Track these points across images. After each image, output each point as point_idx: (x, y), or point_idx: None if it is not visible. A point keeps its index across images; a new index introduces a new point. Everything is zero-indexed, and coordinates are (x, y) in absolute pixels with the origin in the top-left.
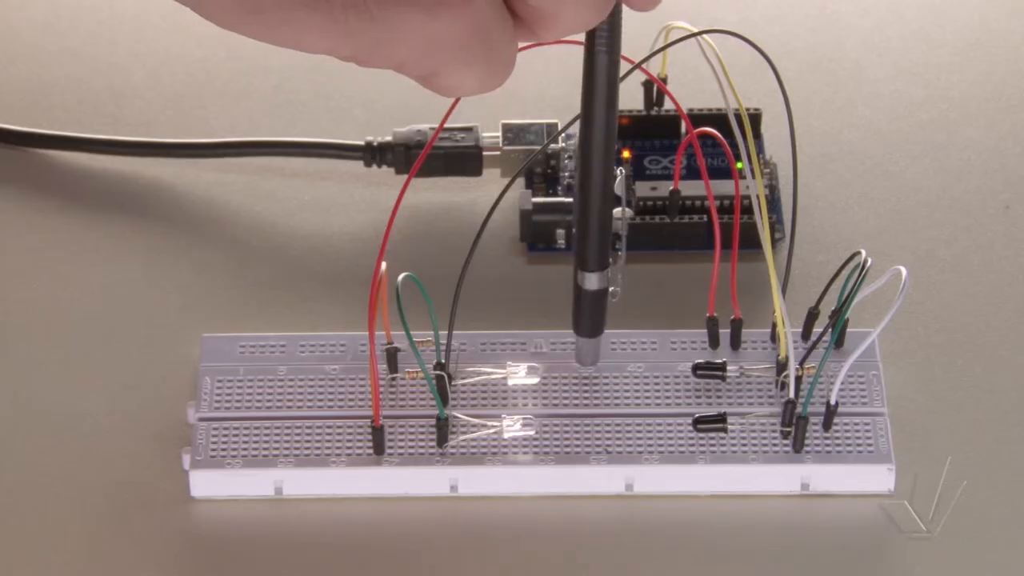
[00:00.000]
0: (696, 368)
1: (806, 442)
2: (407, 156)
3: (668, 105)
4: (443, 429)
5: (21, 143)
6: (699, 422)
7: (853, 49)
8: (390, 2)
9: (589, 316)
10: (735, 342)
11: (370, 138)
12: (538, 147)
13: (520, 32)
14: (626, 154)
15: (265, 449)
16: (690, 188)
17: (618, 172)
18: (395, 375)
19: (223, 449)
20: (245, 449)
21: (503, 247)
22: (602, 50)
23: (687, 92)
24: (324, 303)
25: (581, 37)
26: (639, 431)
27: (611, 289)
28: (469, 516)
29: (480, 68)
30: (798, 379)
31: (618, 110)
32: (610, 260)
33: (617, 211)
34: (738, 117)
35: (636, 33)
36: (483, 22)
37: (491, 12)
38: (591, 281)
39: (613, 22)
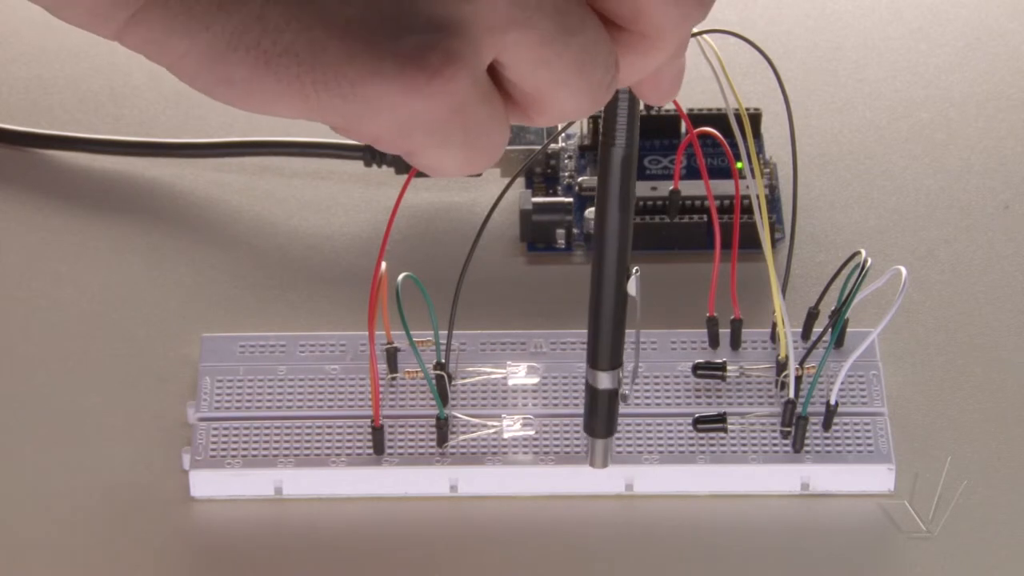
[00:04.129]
0: (696, 368)
1: (806, 442)
2: None
3: (668, 105)
4: (443, 429)
5: (21, 143)
6: (699, 422)
7: (853, 49)
8: (363, 79)
9: (600, 416)
10: (735, 342)
11: None
12: (538, 147)
13: (512, 114)
14: None
15: (265, 449)
16: (690, 188)
17: (633, 271)
18: (395, 375)
19: (223, 449)
20: (245, 449)
21: (503, 247)
22: (618, 144)
23: (687, 92)
24: (324, 303)
25: None
26: (639, 431)
27: (622, 391)
28: (469, 516)
29: (462, 149)
30: (798, 379)
31: (634, 206)
32: (622, 360)
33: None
34: (738, 117)
35: None
36: (464, 104)
37: (474, 93)
38: (603, 380)
39: (631, 115)
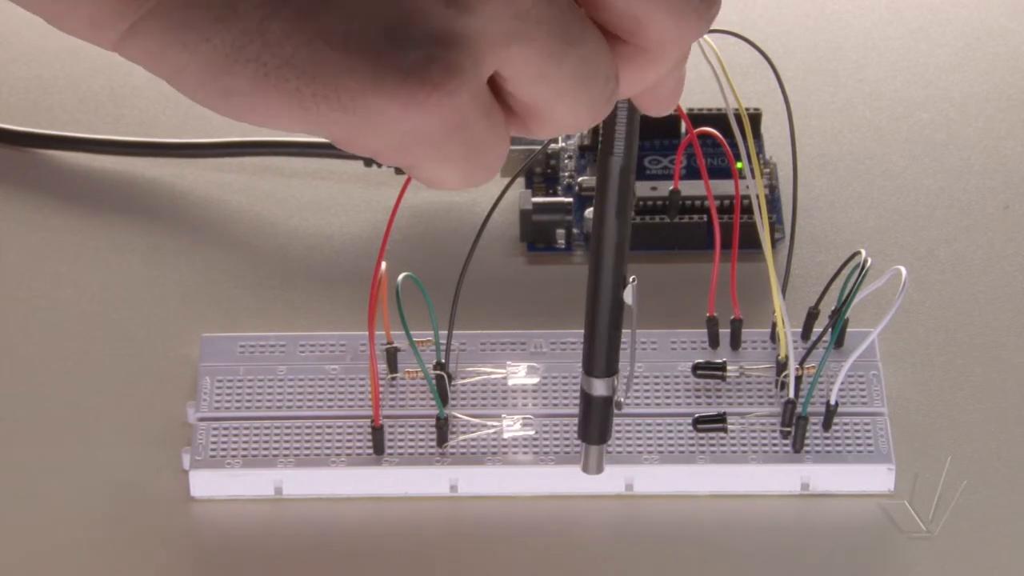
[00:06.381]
0: (696, 368)
1: (806, 442)
2: None
3: None
4: (443, 429)
5: (21, 143)
6: (699, 422)
7: (853, 49)
8: (363, 93)
9: (594, 422)
10: (735, 342)
11: None
12: (538, 147)
13: (513, 126)
14: None
15: (265, 449)
16: (690, 188)
17: (630, 280)
18: (395, 375)
19: (223, 449)
20: (245, 449)
21: (503, 247)
22: (617, 153)
23: (687, 92)
24: (324, 303)
25: None
26: (639, 431)
27: (617, 399)
28: (469, 516)
29: (462, 163)
30: (798, 379)
31: (632, 216)
32: (618, 367)
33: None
34: (738, 117)
35: None
36: (464, 117)
37: (475, 107)
38: (598, 387)
39: (630, 125)
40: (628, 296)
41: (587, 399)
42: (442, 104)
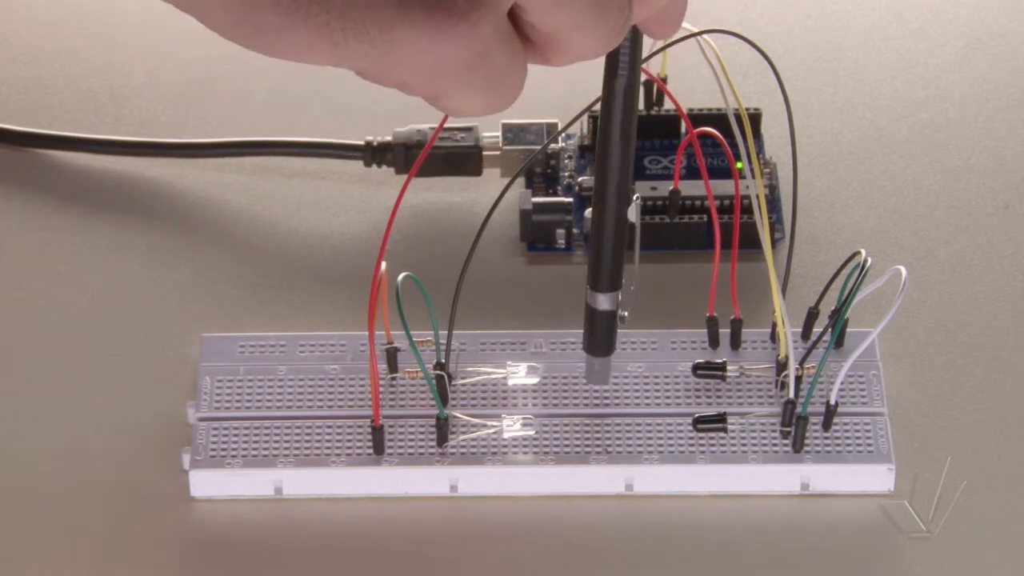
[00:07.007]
0: (696, 368)
1: (806, 442)
2: (407, 156)
3: (668, 105)
4: (443, 429)
5: (21, 143)
6: (699, 422)
7: (853, 49)
8: (391, 25)
9: (599, 336)
10: (735, 342)
11: (370, 138)
12: (538, 147)
13: (530, 56)
14: None
15: (265, 449)
16: (690, 188)
17: (634, 199)
18: (395, 375)
19: (223, 449)
20: (245, 449)
21: (503, 247)
22: (622, 74)
23: (687, 92)
24: (324, 303)
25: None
26: (639, 431)
27: (620, 314)
28: (469, 516)
29: (485, 92)
30: (798, 379)
31: (635, 135)
32: (621, 283)
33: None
34: (738, 117)
35: None
36: (488, 47)
37: (497, 37)
38: (602, 302)
39: (633, 47)
40: (632, 214)
41: (592, 313)
42: (467, 34)
